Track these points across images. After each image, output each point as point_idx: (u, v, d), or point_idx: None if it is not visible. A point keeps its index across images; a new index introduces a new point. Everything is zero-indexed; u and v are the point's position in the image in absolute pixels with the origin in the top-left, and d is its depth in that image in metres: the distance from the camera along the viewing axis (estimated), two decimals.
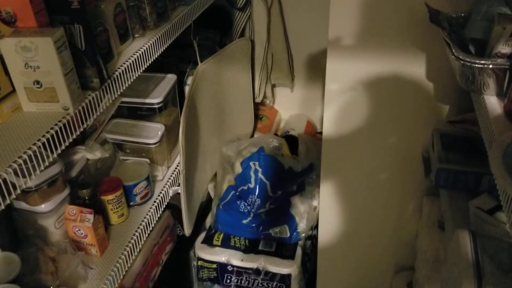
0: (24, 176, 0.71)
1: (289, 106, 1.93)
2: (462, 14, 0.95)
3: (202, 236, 1.46)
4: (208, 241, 1.43)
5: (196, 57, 1.35)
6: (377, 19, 1.06)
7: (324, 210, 1.35)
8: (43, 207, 0.97)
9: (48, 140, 0.76)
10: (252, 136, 1.76)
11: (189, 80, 1.42)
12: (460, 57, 0.78)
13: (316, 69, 1.83)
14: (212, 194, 1.53)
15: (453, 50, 0.80)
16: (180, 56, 1.49)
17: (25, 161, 0.71)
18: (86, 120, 0.85)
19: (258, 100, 1.77)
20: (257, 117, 1.82)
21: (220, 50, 1.43)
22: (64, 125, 0.80)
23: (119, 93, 0.96)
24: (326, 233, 1.39)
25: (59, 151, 0.79)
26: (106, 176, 1.17)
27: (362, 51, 1.09)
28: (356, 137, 1.21)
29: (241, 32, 1.64)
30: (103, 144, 1.20)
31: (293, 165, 1.37)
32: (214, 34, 1.63)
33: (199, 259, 1.42)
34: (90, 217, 0.99)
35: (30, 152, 0.72)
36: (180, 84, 1.42)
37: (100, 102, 0.89)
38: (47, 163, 0.76)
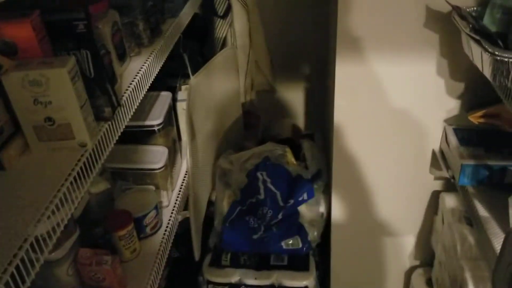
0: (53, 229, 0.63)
1: (272, 111, 1.89)
2: (475, 8, 0.94)
3: (208, 258, 1.38)
4: (216, 263, 1.36)
5: (185, 70, 1.27)
6: (387, 15, 1.03)
7: (336, 215, 1.32)
8: (54, 254, 0.87)
9: (71, 183, 0.67)
10: (241, 146, 1.70)
11: (180, 95, 1.34)
12: (496, 52, 0.76)
13: (297, 72, 1.81)
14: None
15: (486, 46, 0.78)
16: (165, 70, 1.40)
17: (52, 211, 0.62)
18: (103, 154, 0.77)
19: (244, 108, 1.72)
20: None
21: (209, 61, 1.36)
22: (84, 163, 0.71)
23: (128, 119, 0.88)
24: (339, 235, 1.36)
25: (82, 193, 0.70)
26: (109, 209, 1.07)
27: (372, 48, 1.07)
28: (367, 134, 1.19)
29: (223, 40, 1.57)
30: (101, 174, 1.10)
31: (301, 172, 1.33)
32: (194, 44, 1.55)
33: (209, 282, 1.34)
34: (107, 258, 0.90)
35: (56, 200, 0.63)
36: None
37: (115, 132, 0.81)
38: (73, 209, 0.68)
